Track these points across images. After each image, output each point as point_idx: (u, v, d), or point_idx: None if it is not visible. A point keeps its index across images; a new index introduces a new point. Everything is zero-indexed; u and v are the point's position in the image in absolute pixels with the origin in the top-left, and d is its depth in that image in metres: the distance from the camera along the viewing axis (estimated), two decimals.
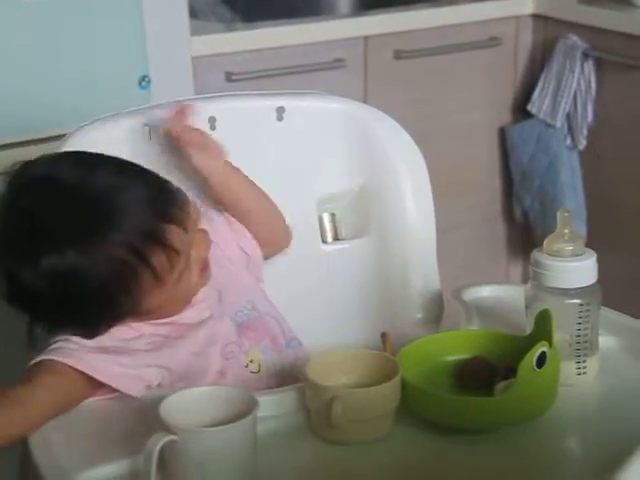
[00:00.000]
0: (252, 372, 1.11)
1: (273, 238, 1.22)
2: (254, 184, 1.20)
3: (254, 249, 1.19)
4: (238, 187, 1.18)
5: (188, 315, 1.09)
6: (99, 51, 1.75)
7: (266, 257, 1.22)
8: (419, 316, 1.26)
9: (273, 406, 0.98)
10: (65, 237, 0.97)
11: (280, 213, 1.22)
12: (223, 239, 1.17)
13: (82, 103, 1.71)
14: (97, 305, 0.99)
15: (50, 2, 1.69)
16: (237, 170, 1.18)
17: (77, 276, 0.97)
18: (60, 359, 0.99)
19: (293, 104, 1.27)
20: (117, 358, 1.00)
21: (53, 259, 0.96)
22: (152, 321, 1.06)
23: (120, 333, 1.04)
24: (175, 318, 1.08)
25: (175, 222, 1.02)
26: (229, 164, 1.17)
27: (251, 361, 1.11)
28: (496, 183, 2.40)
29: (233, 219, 1.19)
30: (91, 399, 1.01)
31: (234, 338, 1.11)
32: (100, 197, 0.98)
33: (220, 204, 1.19)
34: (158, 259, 1.00)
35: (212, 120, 1.22)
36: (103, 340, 1.02)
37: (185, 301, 1.08)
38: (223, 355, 1.09)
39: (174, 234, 1.02)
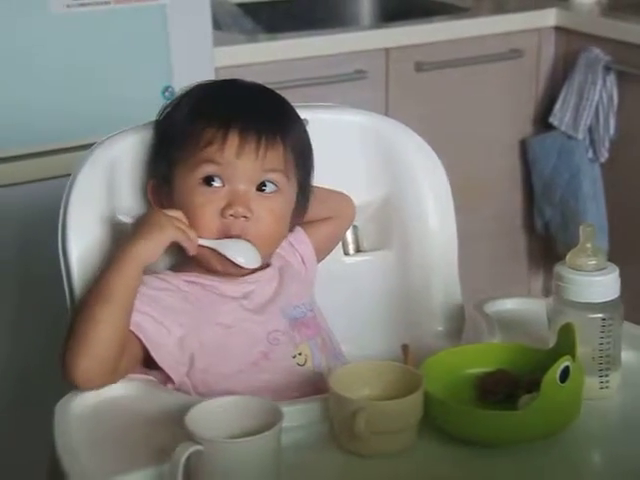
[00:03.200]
0: (298, 364, 1.12)
1: (338, 219, 1.26)
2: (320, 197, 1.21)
3: (313, 264, 1.23)
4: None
5: (231, 288, 1.11)
6: (124, 62, 1.77)
7: (338, 238, 1.27)
8: (440, 329, 1.26)
9: (297, 416, 0.98)
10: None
11: (339, 196, 1.25)
12: (295, 237, 1.20)
13: (107, 113, 1.73)
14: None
15: (77, 14, 1.71)
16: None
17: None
18: None
19: (317, 116, 1.28)
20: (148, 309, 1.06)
21: None
22: (193, 275, 1.10)
23: (155, 282, 1.09)
24: (215, 284, 1.11)
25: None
26: None
27: (299, 353, 1.12)
28: (517, 195, 2.41)
29: (300, 230, 1.23)
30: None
31: (282, 328, 1.13)
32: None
33: None
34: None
35: None
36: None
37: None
38: (269, 339, 1.11)
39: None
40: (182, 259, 1.14)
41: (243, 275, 1.13)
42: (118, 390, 1.05)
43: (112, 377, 1.03)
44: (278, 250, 1.17)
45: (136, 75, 1.79)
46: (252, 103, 1.15)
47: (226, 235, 1.09)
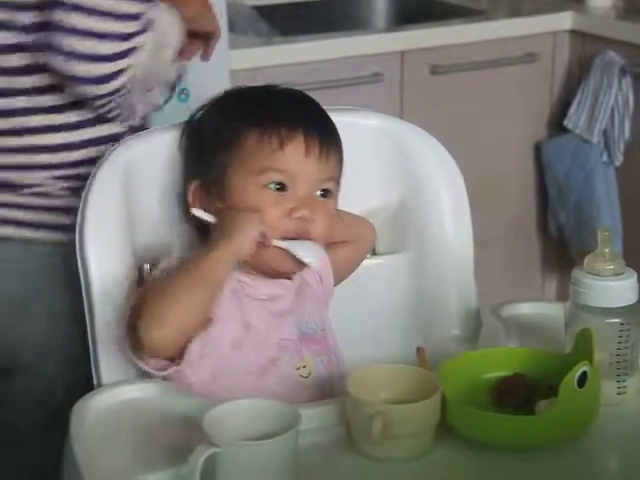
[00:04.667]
0: (301, 375, 1.13)
1: (358, 244, 1.26)
2: (343, 220, 1.21)
3: (330, 285, 1.23)
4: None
5: (260, 288, 1.13)
6: None
7: (357, 262, 1.26)
8: (456, 332, 1.26)
9: (314, 419, 0.98)
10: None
11: (360, 221, 1.25)
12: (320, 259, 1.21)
13: None
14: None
15: None
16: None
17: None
18: None
19: (333, 119, 1.28)
20: None
21: None
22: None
23: None
24: (246, 280, 1.12)
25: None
26: None
27: (304, 366, 1.13)
28: (531, 198, 2.40)
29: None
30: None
31: (293, 338, 1.13)
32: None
33: None
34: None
35: None
36: None
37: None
38: (280, 345, 1.12)
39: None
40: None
41: (278, 277, 1.15)
42: (135, 392, 1.05)
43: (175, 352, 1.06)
44: None
45: None
46: (309, 109, 1.18)
47: (292, 236, 1.12)
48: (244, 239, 1.08)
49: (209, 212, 1.14)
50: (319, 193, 1.13)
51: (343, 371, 1.17)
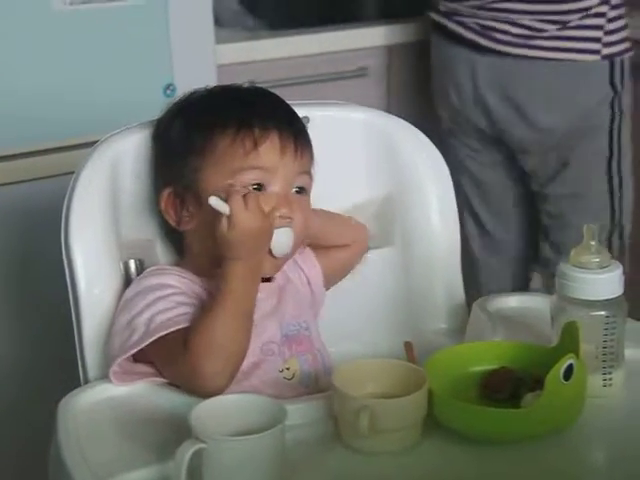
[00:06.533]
0: (285, 378, 1.12)
1: (350, 249, 1.26)
2: (319, 210, 1.21)
3: (320, 287, 1.23)
4: (318, 230, 1.21)
5: None
6: (125, 59, 1.77)
7: (350, 265, 1.26)
8: (443, 326, 1.26)
9: (301, 414, 0.98)
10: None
11: (349, 221, 1.25)
12: (304, 259, 1.21)
13: (110, 111, 1.73)
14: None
15: (79, 12, 1.71)
16: (315, 212, 1.20)
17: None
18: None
19: (318, 113, 1.28)
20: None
21: None
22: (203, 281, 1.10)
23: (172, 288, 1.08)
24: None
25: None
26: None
27: (287, 368, 1.13)
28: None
29: (307, 250, 1.23)
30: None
31: (277, 340, 1.13)
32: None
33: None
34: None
35: None
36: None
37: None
38: (262, 350, 1.11)
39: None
40: (194, 261, 1.14)
41: None
42: (121, 388, 1.05)
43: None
44: (284, 267, 1.17)
45: (138, 72, 1.79)
46: (278, 105, 1.16)
47: None
48: (261, 256, 1.07)
49: (184, 219, 1.12)
50: (295, 190, 1.13)
51: (329, 368, 1.17)
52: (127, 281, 1.16)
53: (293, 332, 1.15)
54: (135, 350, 1.05)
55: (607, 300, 1.03)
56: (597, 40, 1.88)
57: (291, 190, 1.12)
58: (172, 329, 1.04)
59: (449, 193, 1.30)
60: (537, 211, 2.06)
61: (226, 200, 1.06)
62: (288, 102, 1.21)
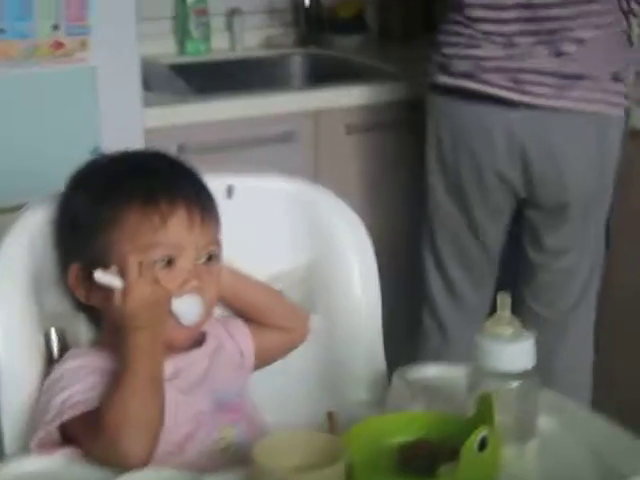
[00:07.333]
0: (221, 448, 1.12)
1: (289, 334, 1.26)
2: (262, 286, 1.24)
3: (251, 358, 1.22)
4: (246, 293, 1.22)
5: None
6: (52, 121, 1.77)
7: (288, 349, 1.26)
8: (365, 396, 1.27)
9: None
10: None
11: (293, 306, 1.26)
12: (240, 332, 1.21)
13: (37, 173, 1.73)
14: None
15: (7, 76, 1.71)
16: (243, 277, 1.22)
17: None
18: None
19: (242, 183, 1.29)
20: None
21: None
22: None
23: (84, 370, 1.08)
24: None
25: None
26: (233, 272, 1.21)
27: (222, 438, 1.12)
28: None
29: (240, 322, 1.23)
30: None
31: (208, 410, 1.12)
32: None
33: (230, 309, 1.24)
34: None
35: None
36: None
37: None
38: (196, 419, 1.11)
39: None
40: (110, 335, 1.13)
41: (175, 353, 1.13)
42: (37, 463, 1.04)
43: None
44: (215, 332, 1.18)
45: (65, 135, 1.79)
46: (183, 175, 1.16)
47: None
48: (161, 329, 1.07)
49: (93, 294, 1.12)
50: (203, 260, 1.13)
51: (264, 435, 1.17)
52: (48, 351, 1.15)
53: (226, 399, 1.15)
54: (51, 426, 1.04)
55: (520, 371, 1.05)
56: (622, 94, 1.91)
57: (200, 261, 1.13)
58: (87, 409, 1.04)
59: (370, 261, 1.31)
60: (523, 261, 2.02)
61: (122, 270, 1.07)
62: (214, 171, 1.22)
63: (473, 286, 2.06)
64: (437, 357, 2.02)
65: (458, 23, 1.92)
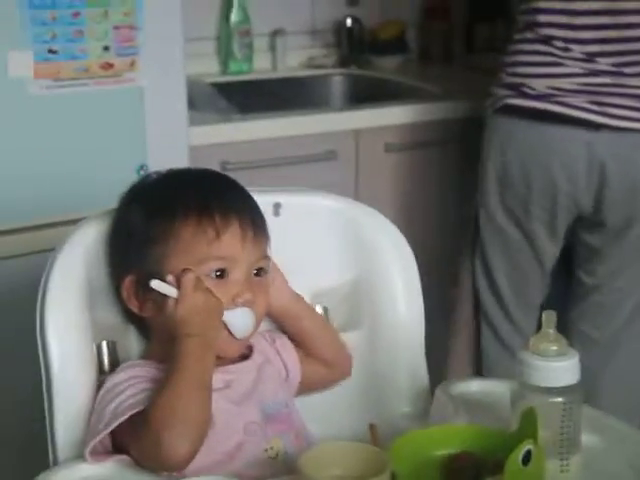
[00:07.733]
0: (270, 457, 1.14)
1: (331, 368, 1.28)
2: (318, 317, 1.27)
3: (296, 375, 1.25)
4: (302, 320, 1.25)
5: (214, 377, 1.11)
6: (100, 140, 1.81)
7: (328, 383, 1.28)
8: (407, 409, 1.29)
9: None
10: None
11: (341, 342, 1.28)
12: (286, 349, 1.24)
13: (84, 190, 1.77)
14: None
15: (56, 96, 1.75)
16: (298, 297, 1.25)
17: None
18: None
19: (289, 200, 1.32)
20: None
21: None
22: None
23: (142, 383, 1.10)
24: None
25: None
26: (297, 297, 1.25)
27: (271, 447, 1.14)
28: None
29: (286, 339, 1.26)
30: None
31: (258, 420, 1.15)
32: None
33: (282, 330, 1.26)
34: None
35: None
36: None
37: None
38: (246, 430, 1.13)
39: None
40: (160, 348, 1.16)
41: (225, 364, 1.16)
42: (92, 469, 1.06)
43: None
44: (260, 347, 1.21)
45: (113, 153, 1.83)
46: (234, 191, 1.20)
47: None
48: (213, 333, 1.10)
49: (147, 306, 1.15)
50: (254, 272, 1.17)
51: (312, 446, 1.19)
52: (100, 363, 1.19)
53: (274, 411, 1.17)
54: (104, 433, 1.07)
55: (564, 387, 1.07)
56: None
57: (252, 274, 1.16)
58: (135, 410, 1.07)
59: (414, 279, 1.33)
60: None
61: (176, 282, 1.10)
62: (262, 189, 1.26)
63: (524, 305, 2.06)
64: (496, 367, 2.02)
65: (533, 42, 1.88)
